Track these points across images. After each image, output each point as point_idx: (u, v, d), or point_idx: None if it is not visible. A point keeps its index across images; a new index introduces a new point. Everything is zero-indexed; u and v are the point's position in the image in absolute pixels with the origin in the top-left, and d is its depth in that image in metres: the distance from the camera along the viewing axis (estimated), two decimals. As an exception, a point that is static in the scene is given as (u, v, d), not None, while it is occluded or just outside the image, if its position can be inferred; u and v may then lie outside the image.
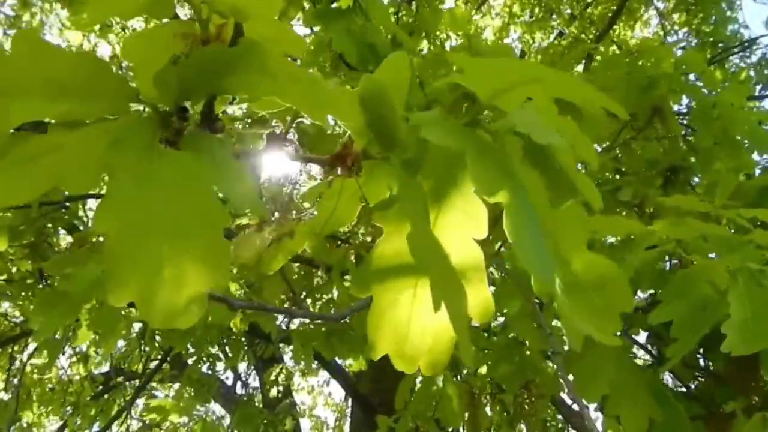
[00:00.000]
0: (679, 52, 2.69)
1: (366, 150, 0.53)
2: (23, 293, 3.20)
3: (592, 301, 0.52)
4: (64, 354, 4.47)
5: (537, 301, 1.59)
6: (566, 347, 1.43)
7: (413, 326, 0.54)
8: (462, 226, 0.54)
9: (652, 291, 1.64)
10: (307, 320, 3.97)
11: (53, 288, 1.65)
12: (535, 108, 0.65)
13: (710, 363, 1.67)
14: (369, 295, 0.55)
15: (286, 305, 4.23)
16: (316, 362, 4.62)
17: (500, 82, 0.47)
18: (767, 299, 0.97)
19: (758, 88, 4.64)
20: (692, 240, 1.22)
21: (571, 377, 1.25)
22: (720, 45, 4.65)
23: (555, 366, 1.26)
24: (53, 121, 0.41)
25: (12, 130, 0.40)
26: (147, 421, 3.89)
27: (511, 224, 0.42)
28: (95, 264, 1.67)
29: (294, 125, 0.54)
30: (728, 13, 4.81)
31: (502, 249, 1.69)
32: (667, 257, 1.38)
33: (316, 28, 2.85)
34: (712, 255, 1.25)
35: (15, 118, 0.39)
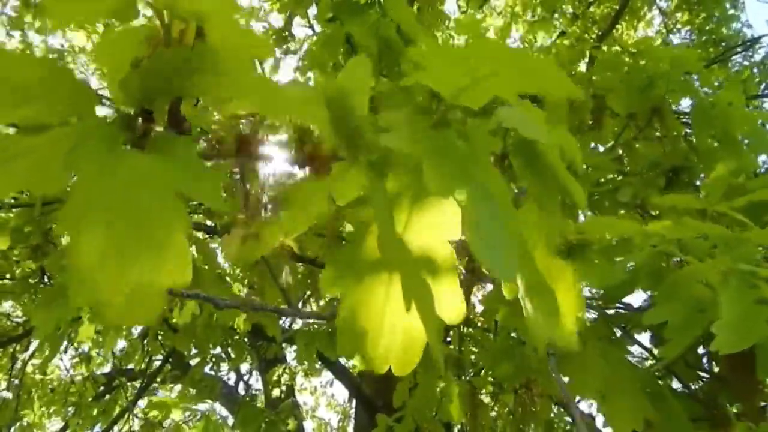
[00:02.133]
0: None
1: (335, 151, 0.53)
2: (26, 294, 3.21)
3: (551, 304, 0.52)
4: (66, 353, 4.50)
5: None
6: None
7: (386, 325, 0.54)
8: (435, 227, 0.54)
9: (650, 292, 1.63)
10: (309, 320, 3.96)
11: (55, 285, 1.67)
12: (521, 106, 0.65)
13: (714, 364, 1.67)
14: (338, 293, 0.55)
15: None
16: (319, 363, 4.63)
17: (462, 78, 0.47)
18: (757, 300, 0.98)
19: (762, 87, 4.62)
20: (690, 239, 1.22)
21: (566, 379, 1.25)
22: (723, 44, 4.63)
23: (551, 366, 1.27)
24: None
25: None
26: (150, 419, 3.91)
27: (468, 222, 0.42)
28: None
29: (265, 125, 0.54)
30: (731, 12, 4.79)
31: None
32: (665, 258, 1.37)
33: (319, 27, 2.85)
34: (710, 255, 1.24)
35: (-22, 123, 0.40)
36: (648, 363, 1.98)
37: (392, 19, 1.97)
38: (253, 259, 0.61)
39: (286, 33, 2.86)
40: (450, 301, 0.53)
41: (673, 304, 1.06)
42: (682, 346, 1.03)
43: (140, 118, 0.46)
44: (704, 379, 1.71)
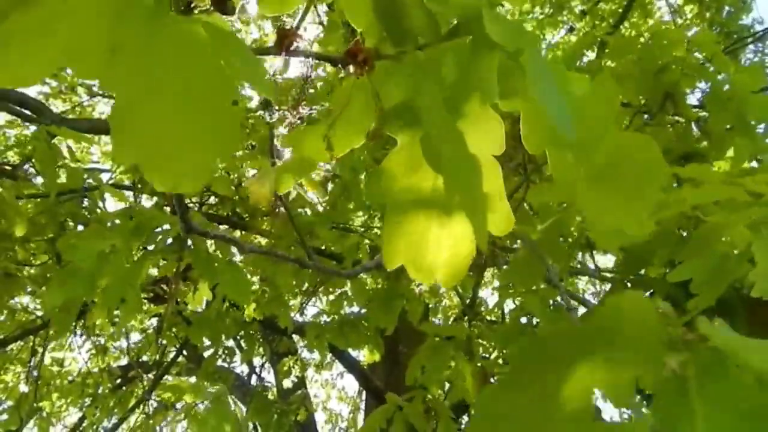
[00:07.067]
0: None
1: (378, 48, 0.51)
2: (44, 286, 3.24)
3: (621, 186, 0.49)
4: (82, 346, 4.54)
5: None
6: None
7: (431, 237, 0.53)
8: (480, 141, 0.52)
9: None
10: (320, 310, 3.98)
11: (67, 267, 1.67)
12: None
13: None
14: (383, 202, 0.54)
15: (299, 298, 4.27)
16: (330, 355, 4.65)
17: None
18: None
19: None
20: (710, 204, 1.22)
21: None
22: (734, 36, 4.62)
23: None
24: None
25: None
26: (162, 401, 3.94)
27: (530, 73, 0.41)
28: (102, 240, 1.66)
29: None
30: (742, 5, 4.77)
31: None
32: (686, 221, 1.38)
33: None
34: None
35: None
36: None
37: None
38: (289, 186, 0.61)
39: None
40: (499, 213, 0.52)
41: (697, 260, 1.07)
42: (710, 300, 1.04)
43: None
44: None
